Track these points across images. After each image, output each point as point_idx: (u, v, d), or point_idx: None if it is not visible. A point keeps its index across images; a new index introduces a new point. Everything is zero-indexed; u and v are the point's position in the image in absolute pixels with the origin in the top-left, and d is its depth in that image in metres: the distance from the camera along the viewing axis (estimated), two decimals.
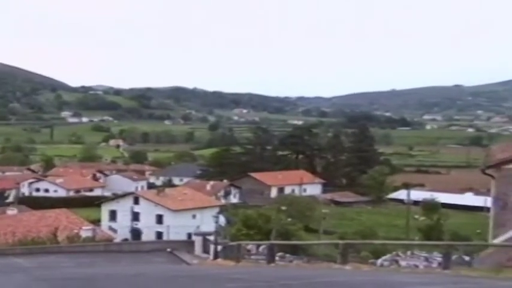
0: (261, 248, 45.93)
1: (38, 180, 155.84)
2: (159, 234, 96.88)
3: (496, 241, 26.63)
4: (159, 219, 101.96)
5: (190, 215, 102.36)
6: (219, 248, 44.90)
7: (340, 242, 31.50)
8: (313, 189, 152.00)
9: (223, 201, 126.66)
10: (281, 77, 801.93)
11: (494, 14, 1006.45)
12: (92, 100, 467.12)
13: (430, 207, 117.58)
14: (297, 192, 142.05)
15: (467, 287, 15.91)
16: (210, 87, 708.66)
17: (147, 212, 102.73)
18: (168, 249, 53.05)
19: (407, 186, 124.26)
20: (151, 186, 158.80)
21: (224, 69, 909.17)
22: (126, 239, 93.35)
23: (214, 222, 59.17)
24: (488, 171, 28.23)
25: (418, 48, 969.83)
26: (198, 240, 53.30)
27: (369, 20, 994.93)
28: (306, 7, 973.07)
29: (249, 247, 46.65)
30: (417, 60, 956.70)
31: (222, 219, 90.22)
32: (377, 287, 16.19)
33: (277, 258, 31.75)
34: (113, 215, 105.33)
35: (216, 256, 42.46)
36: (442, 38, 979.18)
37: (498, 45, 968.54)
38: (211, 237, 49.96)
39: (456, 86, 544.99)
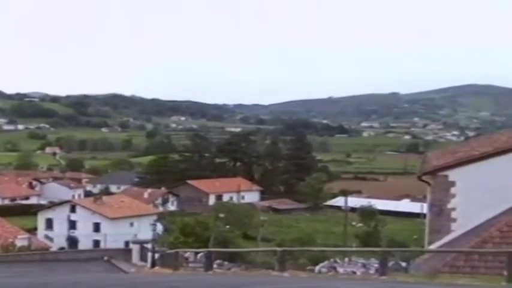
0: (198, 256, 45.82)
1: None
2: (97, 243, 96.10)
3: (432, 247, 26.92)
4: (96, 227, 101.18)
5: (127, 223, 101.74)
6: (157, 256, 44.71)
7: (278, 249, 31.56)
8: (251, 196, 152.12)
9: (161, 209, 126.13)
10: (219, 84, 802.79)
11: (429, 22, 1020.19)
12: (27, 107, 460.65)
13: (367, 214, 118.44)
14: (235, 199, 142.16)
15: None
16: (148, 94, 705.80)
17: (84, 220, 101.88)
18: (106, 258, 52.66)
19: (344, 193, 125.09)
20: (88, 194, 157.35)
21: (162, 77, 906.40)
22: (62, 248, 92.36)
23: (151, 230, 58.96)
24: (424, 178, 28.55)
25: (355, 55, 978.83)
26: (135, 249, 53.00)
27: (303, 29, 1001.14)
28: (242, 17, 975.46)
29: (186, 255, 46.54)
30: (354, 67, 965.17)
31: (159, 227, 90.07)
32: None
33: (215, 265, 31.63)
34: (49, 224, 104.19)
35: (153, 264, 42.25)
36: (379, 46, 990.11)
37: (434, 53, 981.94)
38: (149, 245, 49.76)
39: (393, 93, 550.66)
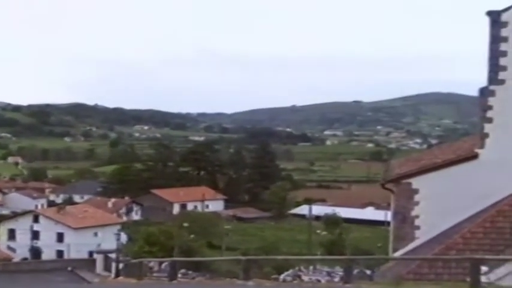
0: (163, 265, 45.72)
1: None
2: (60, 253, 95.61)
3: (396, 254, 27.11)
4: (60, 237, 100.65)
5: (91, 232, 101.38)
6: (121, 265, 44.55)
7: (243, 258, 31.58)
8: (216, 205, 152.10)
9: (125, 219, 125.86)
10: (182, 93, 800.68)
11: (391, 31, 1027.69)
12: None
13: (331, 222, 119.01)
14: (199, 208, 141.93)
15: None
16: (110, 103, 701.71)
17: (47, 230, 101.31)
18: (69, 268, 52.43)
19: (309, 201, 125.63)
20: (51, 204, 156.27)
21: (125, 86, 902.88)
22: (25, 258, 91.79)
23: (115, 239, 58.68)
24: (388, 185, 28.75)
25: (318, 64, 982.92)
26: (99, 258, 52.84)
27: (265, 37, 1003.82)
28: (203, 26, 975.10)
29: (151, 264, 46.39)
30: (317, 76, 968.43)
31: (123, 237, 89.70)
32: None
33: (179, 275, 31.60)
34: (11, 234, 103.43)
35: (117, 274, 42.08)
36: (341, 54, 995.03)
37: (396, 61, 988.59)
38: (113, 255, 49.56)
39: (356, 102, 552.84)
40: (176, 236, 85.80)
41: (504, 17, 26.20)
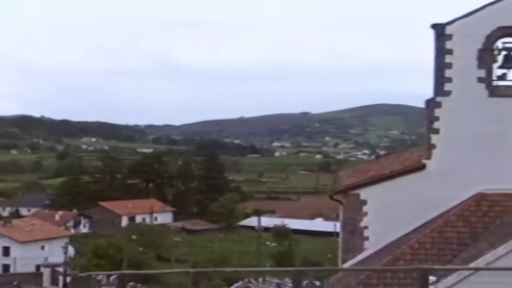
0: (111, 278, 45.38)
1: None
2: (6, 267, 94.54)
3: (345, 265, 27.27)
4: (6, 251, 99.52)
5: (38, 246, 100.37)
6: (69, 279, 44.16)
7: (191, 270, 31.45)
8: (164, 217, 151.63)
9: (72, 231, 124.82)
10: (129, 105, 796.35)
11: (338, 42, 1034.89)
12: None
13: (281, 233, 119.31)
14: (148, 220, 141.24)
15: None
16: (57, 115, 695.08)
17: None
18: (15, 283, 51.77)
19: (258, 213, 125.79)
20: None
21: (71, 98, 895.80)
22: None
23: (63, 253, 58.21)
24: (336, 196, 28.92)
25: (266, 75, 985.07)
26: (46, 272, 52.28)
27: (212, 49, 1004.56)
28: (150, 38, 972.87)
29: (99, 277, 46.07)
30: (265, 87, 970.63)
31: (71, 250, 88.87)
32: None
33: None
34: None
35: None
36: (287, 66, 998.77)
37: (344, 73, 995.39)
38: (61, 269, 49.11)
39: (304, 113, 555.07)
40: (125, 248, 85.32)
41: (449, 30, 26.58)
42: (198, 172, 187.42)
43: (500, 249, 21.07)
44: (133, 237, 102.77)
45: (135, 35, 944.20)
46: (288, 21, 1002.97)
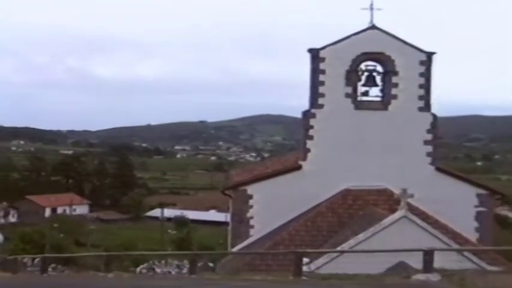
0: (35, 261, 44.16)
1: None
2: None
3: (234, 250, 27.21)
4: None
5: None
6: None
7: (104, 253, 30.86)
8: (82, 209, 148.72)
9: (2, 221, 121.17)
10: (54, 112, 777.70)
11: (230, 58, 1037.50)
12: None
13: (181, 222, 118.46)
14: (67, 212, 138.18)
15: (208, 287, 16.12)
16: None
17: None
18: None
19: (161, 205, 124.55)
20: None
21: (3, 105, 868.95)
22: None
23: None
24: (227, 192, 28.91)
25: (169, 87, 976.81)
26: None
27: (121, 61, 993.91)
28: (68, 48, 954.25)
29: (25, 260, 44.69)
30: (168, 98, 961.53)
31: (1, 237, 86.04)
32: None
33: (50, 269, 30.53)
34: None
35: None
36: (188, 79, 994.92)
37: (235, 86, 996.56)
38: None
39: (201, 121, 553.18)
40: (47, 235, 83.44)
41: (322, 54, 26.93)
42: (111, 170, 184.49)
43: (361, 236, 21.38)
44: (55, 225, 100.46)
45: (60, 52, 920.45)
46: (188, 42, 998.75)
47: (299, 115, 27.77)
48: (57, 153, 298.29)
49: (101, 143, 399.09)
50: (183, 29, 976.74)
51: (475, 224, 27.42)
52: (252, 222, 27.11)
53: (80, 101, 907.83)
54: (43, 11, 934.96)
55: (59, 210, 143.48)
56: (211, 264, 35.52)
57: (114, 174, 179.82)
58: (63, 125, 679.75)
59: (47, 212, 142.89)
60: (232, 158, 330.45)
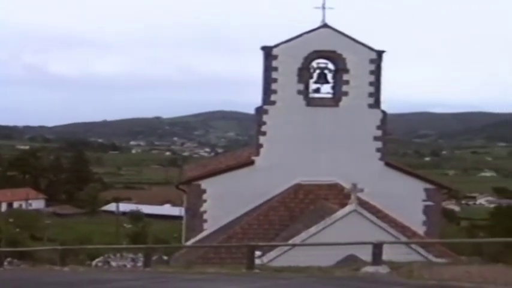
0: None
1: None
2: None
3: (188, 243, 27.06)
4: None
5: None
6: None
7: (59, 247, 30.40)
8: (38, 204, 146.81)
9: None
10: (10, 108, 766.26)
11: (186, 56, 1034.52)
12: None
13: (136, 217, 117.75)
14: (24, 206, 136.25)
15: (162, 280, 15.98)
16: None
17: None
18: None
19: (116, 200, 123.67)
20: None
21: None
22: None
23: None
24: (181, 186, 28.72)
25: (124, 83, 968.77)
26: None
27: (76, 59, 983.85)
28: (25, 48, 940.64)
29: None
30: (123, 94, 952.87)
31: None
32: (90, 283, 15.73)
33: (6, 263, 30.00)
34: None
35: None
36: (144, 75, 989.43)
37: (190, 82, 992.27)
38: None
39: (156, 117, 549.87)
40: (3, 229, 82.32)
41: (275, 52, 26.89)
42: (67, 166, 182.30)
43: (313, 229, 21.40)
44: (11, 220, 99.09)
45: (17, 48, 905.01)
46: (144, 40, 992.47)
47: (252, 111, 27.71)
48: (13, 148, 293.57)
49: (57, 139, 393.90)
50: (139, 27, 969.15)
51: (423, 218, 27.70)
52: (205, 216, 27.01)
53: (37, 97, 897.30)
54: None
55: (15, 205, 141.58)
56: (165, 258, 35.30)
57: (70, 169, 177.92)
58: (20, 121, 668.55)
59: (3, 207, 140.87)
60: (186, 154, 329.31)
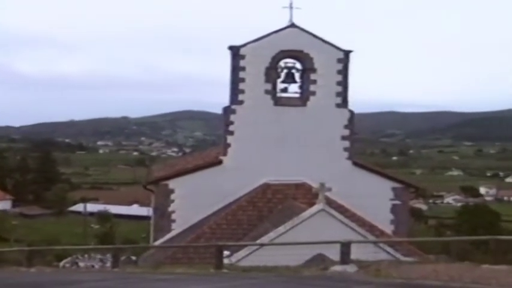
0: None
1: None
2: None
3: (156, 243, 26.88)
4: None
5: None
6: None
7: (26, 248, 30.01)
8: (4, 204, 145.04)
9: None
10: None
11: (152, 57, 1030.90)
12: None
13: (103, 217, 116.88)
14: None
15: (130, 281, 15.83)
16: None
17: None
18: None
19: (84, 200, 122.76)
20: None
21: None
22: None
23: None
24: (149, 186, 28.53)
25: (91, 84, 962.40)
26: None
27: (41, 58, 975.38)
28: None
29: None
30: (91, 94, 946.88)
31: None
32: (56, 284, 15.49)
33: None
34: None
35: None
36: (109, 77, 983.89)
37: (157, 82, 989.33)
38: None
39: (124, 117, 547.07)
40: None
41: (242, 51, 26.81)
42: (34, 166, 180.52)
43: (281, 228, 21.35)
44: None
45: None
46: (111, 40, 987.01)
47: (220, 111, 27.61)
48: None
49: (23, 139, 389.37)
50: (107, 26, 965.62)
51: (391, 217, 27.79)
52: (173, 216, 26.85)
53: (2, 97, 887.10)
54: None
55: None
56: (134, 258, 35.07)
57: (37, 170, 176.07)
58: None
59: None
60: (154, 153, 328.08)
